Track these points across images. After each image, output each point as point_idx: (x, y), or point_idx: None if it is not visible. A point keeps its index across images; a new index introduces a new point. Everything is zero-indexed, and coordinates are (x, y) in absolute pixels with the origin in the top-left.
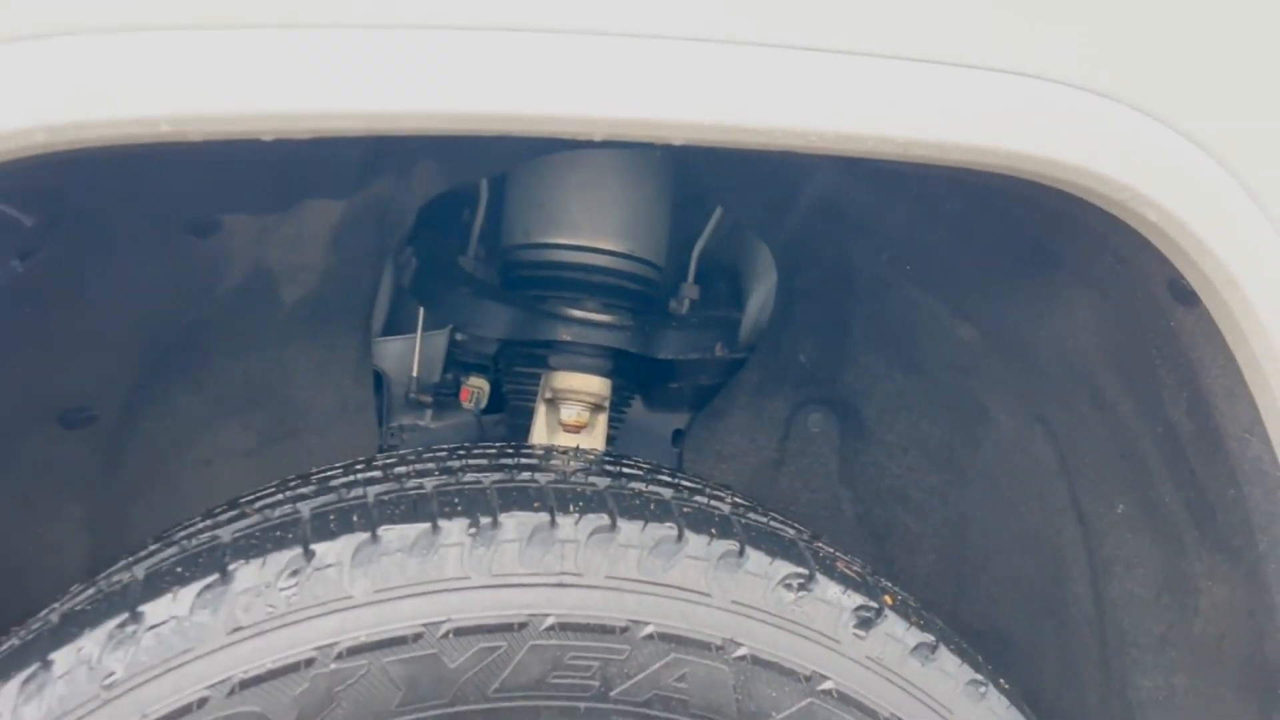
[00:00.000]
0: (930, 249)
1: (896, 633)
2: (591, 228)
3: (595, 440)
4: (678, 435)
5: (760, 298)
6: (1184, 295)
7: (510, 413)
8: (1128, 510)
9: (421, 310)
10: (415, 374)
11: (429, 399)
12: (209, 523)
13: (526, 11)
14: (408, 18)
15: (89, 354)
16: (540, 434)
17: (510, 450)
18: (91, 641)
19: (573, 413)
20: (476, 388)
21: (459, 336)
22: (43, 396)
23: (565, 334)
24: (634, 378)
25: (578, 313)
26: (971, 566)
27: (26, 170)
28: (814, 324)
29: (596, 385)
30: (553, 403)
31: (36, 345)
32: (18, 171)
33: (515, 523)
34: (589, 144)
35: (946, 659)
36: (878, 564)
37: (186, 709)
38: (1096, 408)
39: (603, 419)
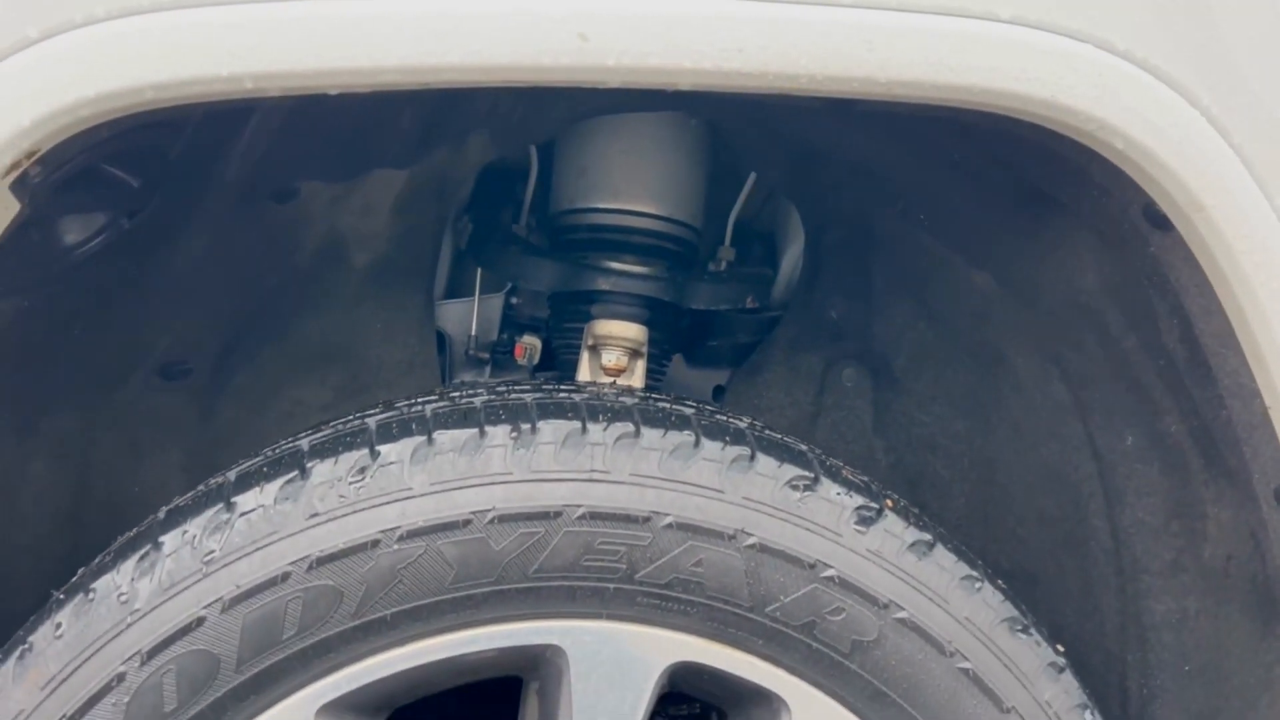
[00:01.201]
0: (941, 200)
1: (895, 530)
2: (631, 192)
3: (634, 383)
4: (718, 391)
5: (792, 257)
6: (1158, 220)
7: (560, 366)
8: (1137, 442)
9: (479, 274)
10: (474, 333)
11: (487, 356)
12: (289, 439)
13: None
14: None
15: (186, 311)
16: (584, 377)
17: (552, 381)
18: (194, 526)
19: (612, 357)
20: (530, 345)
21: (514, 299)
22: (145, 350)
23: (603, 284)
24: (674, 333)
25: (615, 265)
26: (998, 508)
27: (133, 132)
28: (841, 281)
29: (634, 331)
30: (595, 349)
31: (139, 301)
32: (126, 133)
33: (551, 428)
34: (627, 110)
35: (943, 555)
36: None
37: (273, 582)
38: (1103, 345)
39: (641, 365)
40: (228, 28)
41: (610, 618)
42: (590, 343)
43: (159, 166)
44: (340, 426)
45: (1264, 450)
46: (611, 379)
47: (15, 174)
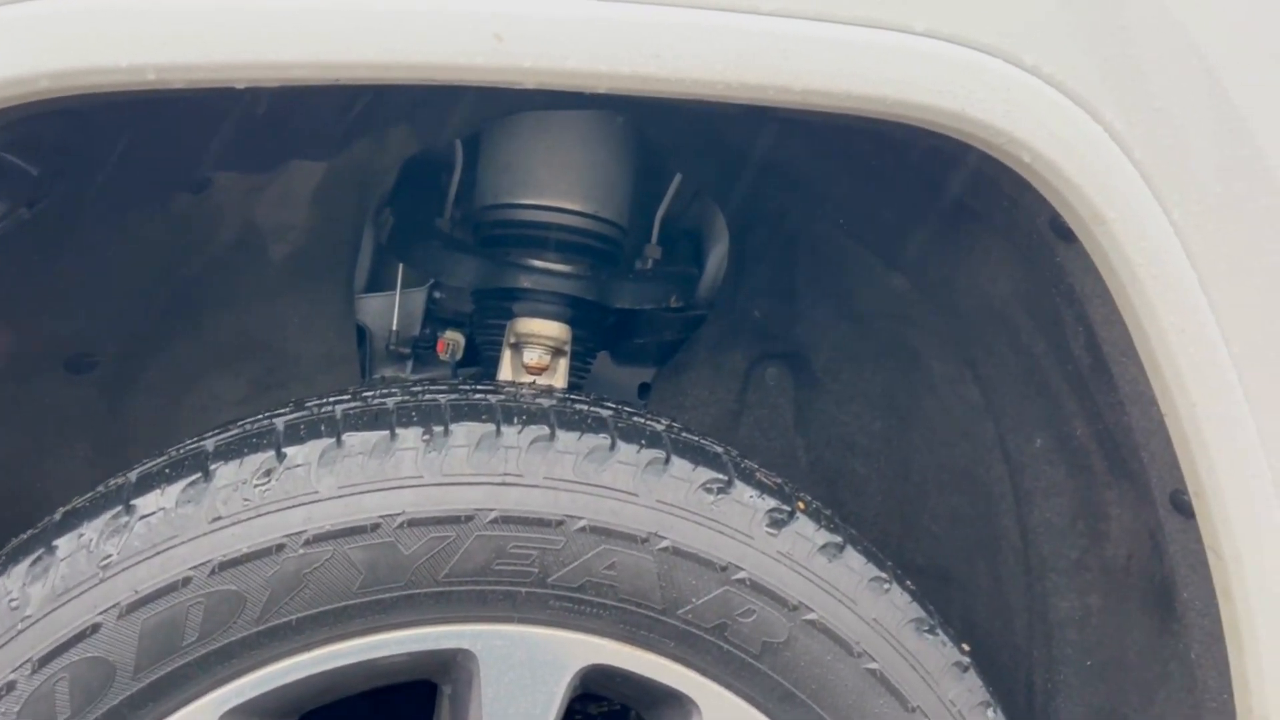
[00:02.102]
0: (861, 204)
1: (806, 532)
2: (556, 189)
3: (556, 382)
4: (644, 389)
5: (717, 257)
6: (1063, 232)
7: (483, 363)
8: (1045, 444)
9: (401, 268)
10: (395, 328)
11: (408, 351)
12: (194, 438)
13: None
14: None
15: (92, 302)
16: (505, 376)
17: (469, 381)
18: (91, 529)
19: (534, 355)
20: (452, 341)
21: (437, 294)
22: (50, 342)
23: (526, 281)
24: (598, 331)
25: (538, 262)
26: (913, 506)
27: (32, 121)
28: (765, 281)
29: (556, 330)
30: (516, 347)
31: (43, 292)
32: (24, 121)
33: (465, 431)
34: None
35: (853, 557)
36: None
37: (173, 586)
38: (1014, 349)
39: (563, 364)
40: (130, 16)
41: (522, 621)
42: (512, 340)
43: (61, 155)
44: (248, 427)
45: (1161, 455)
46: (533, 378)
47: None
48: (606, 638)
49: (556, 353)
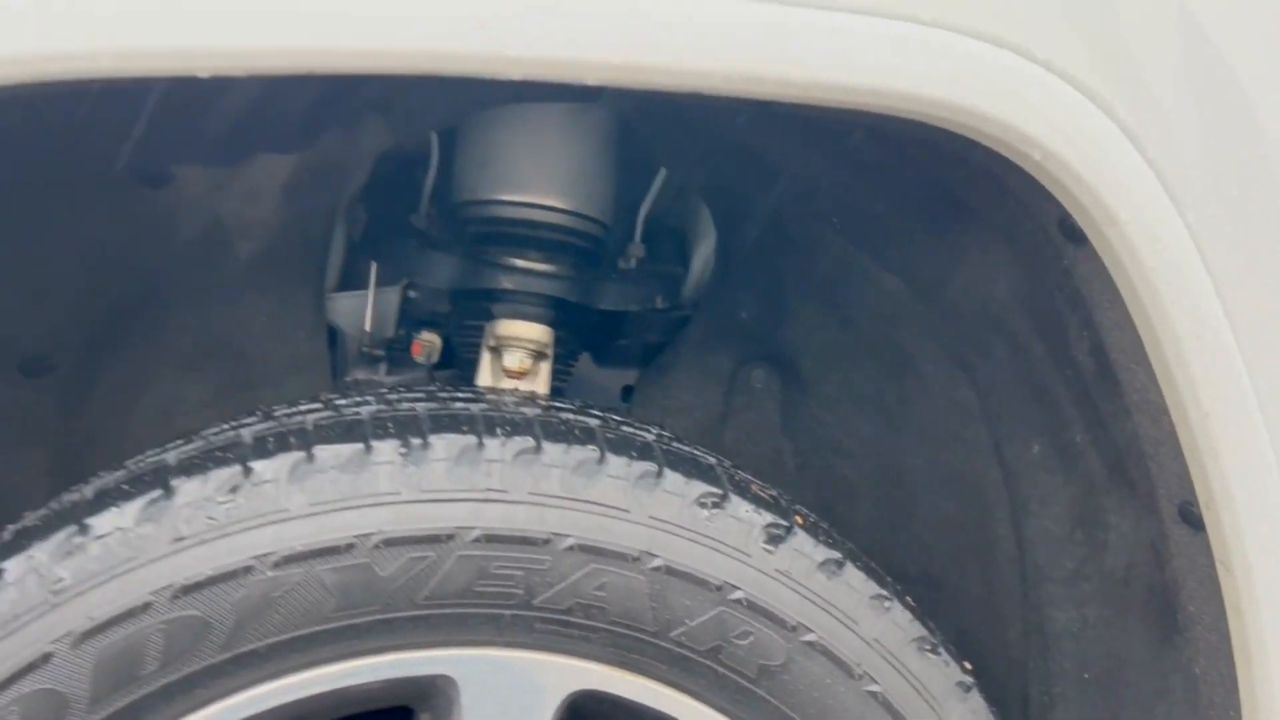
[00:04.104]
0: (852, 202)
1: (805, 549)
2: (537, 185)
3: (538, 387)
4: (627, 391)
5: (703, 256)
6: (1073, 234)
7: (461, 365)
8: (1042, 450)
9: (374, 266)
10: (368, 329)
11: (382, 353)
12: (156, 450)
13: None
14: None
15: (47, 303)
16: (485, 381)
17: (447, 388)
18: (42, 551)
19: (515, 359)
20: (428, 342)
21: (412, 294)
22: (2, 345)
23: (506, 282)
24: (581, 332)
25: (519, 262)
26: (904, 513)
27: None
28: (752, 281)
29: (537, 332)
30: (496, 350)
31: None
32: None
33: (444, 444)
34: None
35: (853, 574)
36: (818, 513)
37: (131, 613)
38: (1012, 353)
39: (545, 367)
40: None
41: (506, 645)
42: (492, 343)
43: (13, 148)
44: (212, 438)
45: (1170, 466)
46: (514, 382)
47: None
48: (596, 661)
49: (538, 356)
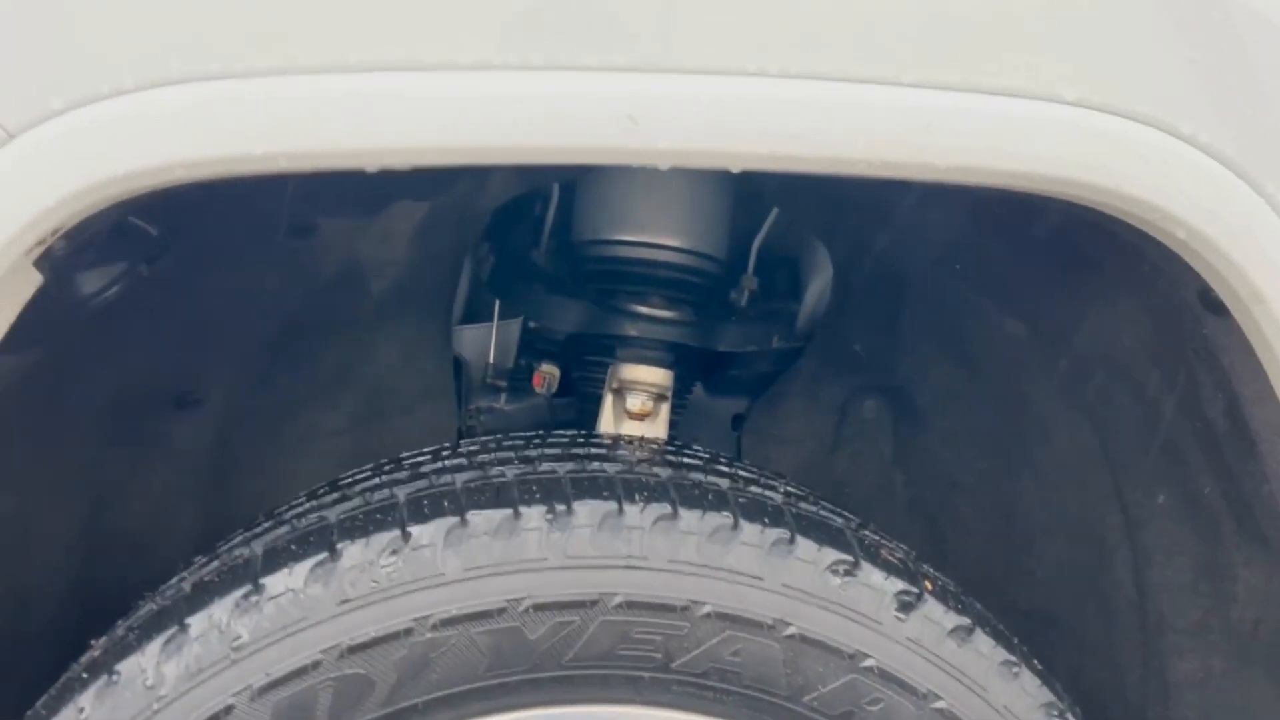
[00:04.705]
0: (979, 253)
1: (935, 616)
2: (655, 225)
3: (658, 428)
4: (737, 420)
5: (817, 290)
6: (1214, 305)
7: (579, 398)
8: (1168, 501)
9: (498, 301)
10: (491, 360)
11: (504, 384)
12: (315, 504)
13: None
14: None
15: (201, 344)
16: (608, 421)
17: (581, 440)
18: (221, 609)
19: (638, 402)
20: (548, 374)
21: (532, 325)
22: (160, 382)
23: (631, 329)
24: (695, 367)
25: (643, 309)
26: (1019, 550)
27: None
28: (868, 317)
29: (660, 376)
30: (619, 392)
31: (156, 338)
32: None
33: (587, 510)
34: None
35: (982, 641)
36: (929, 545)
37: (303, 670)
38: (1138, 402)
39: (665, 408)
40: (264, 103)
41: (644, 704)
42: (615, 385)
43: (179, 214)
44: (369, 497)
45: None
46: (636, 422)
47: (39, 250)
48: None
49: (659, 398)
